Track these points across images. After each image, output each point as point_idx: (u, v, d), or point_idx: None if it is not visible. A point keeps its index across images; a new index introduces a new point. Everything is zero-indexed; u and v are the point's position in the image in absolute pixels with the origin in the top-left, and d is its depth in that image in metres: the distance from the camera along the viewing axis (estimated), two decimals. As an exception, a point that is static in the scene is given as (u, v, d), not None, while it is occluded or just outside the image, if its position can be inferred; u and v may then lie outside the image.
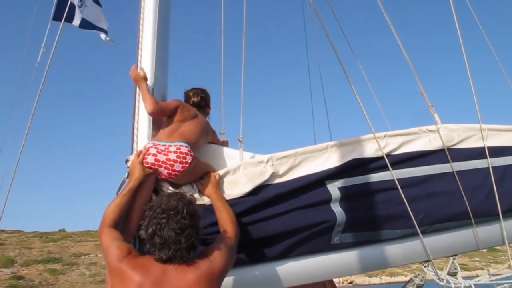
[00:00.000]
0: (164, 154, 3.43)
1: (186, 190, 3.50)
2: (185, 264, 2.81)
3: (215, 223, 3.39)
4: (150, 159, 3.42)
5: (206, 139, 3.96)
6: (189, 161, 3.45)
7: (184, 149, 3.47)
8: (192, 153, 3.49)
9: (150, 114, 3.76)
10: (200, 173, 3.61)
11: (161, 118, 3.85)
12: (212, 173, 3.64)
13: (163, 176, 3.46)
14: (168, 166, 3.41)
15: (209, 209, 3.47)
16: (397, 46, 4.52)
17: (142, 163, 3.41)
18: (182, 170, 3.43)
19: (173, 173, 3.43)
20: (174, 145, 3.48)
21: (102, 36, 6.73)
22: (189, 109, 3.97)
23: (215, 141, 4.23)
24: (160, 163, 3.41)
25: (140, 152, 3.48)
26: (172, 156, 3.42)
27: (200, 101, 4.27)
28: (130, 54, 4.08)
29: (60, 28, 4.42)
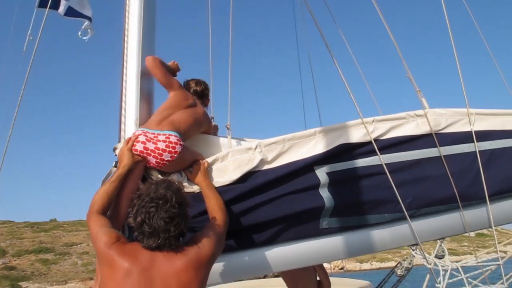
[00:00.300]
0: (153, 143, 3.41)
1: (175, 178, 3.49)
2: (173, 251, 2.81)
3: (204, 212, 3.39)
4: (139, 147, 3.40)
5: (198, 129, 3.92)
6: (178, 151, 3.43)
7: (173, 139, 3.44)
8: (181, 143, 3.47)
9: (148, 59, 3.85)
10: (189, 162, 3.60)
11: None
12: (200, 161, 3.63)
13: (152, 165, 3.44)
14: (156, 155, 3.40)
15: (198, 197, 3.47)
16: (386, 32, 4.53)
17: (131, 150, 3.38)
18: (170, 159, 3.42)
19: (161, 162, 3.42)
20: (163, 134, 3.46)
21: (85, 30, 6.70)
22: (187, 98, 3.95)
23: (209, 132, 4.19)
24: (149, 151, 3.40)
25: (129, 139, 3.46)
26: (161, 145, 3.40)
27: (203, 90, 4.29)
28: (117, 41, 4.07)
29: (45, 15, 4.39)
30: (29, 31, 4.76)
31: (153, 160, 3.41)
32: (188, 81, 4.32)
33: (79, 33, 6.50)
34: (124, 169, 3.31)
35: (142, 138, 3.43)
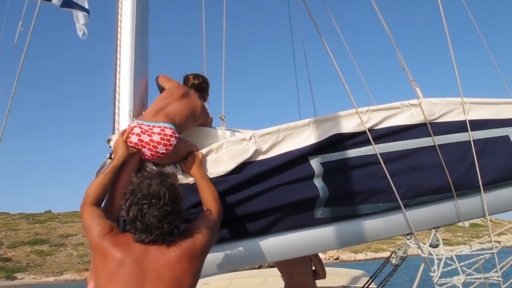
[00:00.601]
0: (148, 135, 3.39)
1: (169, 170, 3.48)
2: (167, 243, 2.81)
3: (199, 204, 3.38)
4: (133, 139, 3.38)
5: (194, 121, 3.89)
6: (173, 144, 3.41)
7: (168, 131, 3.42)
8: (176, 135, 3.45)
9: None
10: (183, 154, 3.58)
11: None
12: (195, 152, 3.61)
13: (146, 157, 3.43)
14: (151, 147, 3.38)
15: (193, 188, 3.45)
16: (379, 20, 4.52)
17: (126, 142, 3.36)
18: (165, 152, 3.40)
19: (156, 154, 3.40)
20: (158, 126, 3.43)
21: (79, 31, 6.73)
22: (181, 87, 4.00)
23: (205, 125, 4.18)
24: (143, 144, 3.38)
25: (125, 131, 3.44)
26: (156, 137, 3.38)
27: (200, 83, 4.28)
28: (110, 33, 4.05)
29: (37, 7, 4.35)
30: (20, 22, 4.72)
31: (147, 153, 3.39)
32: (187, 75, 4.33)
33: (79, 34, 6.52)
34: (119, 160, 3.29)
35: (137, 130, 3.41)
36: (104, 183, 3.18)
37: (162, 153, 3.40)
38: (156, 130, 3.41)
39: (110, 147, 3.53)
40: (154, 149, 3.38)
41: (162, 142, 3.38)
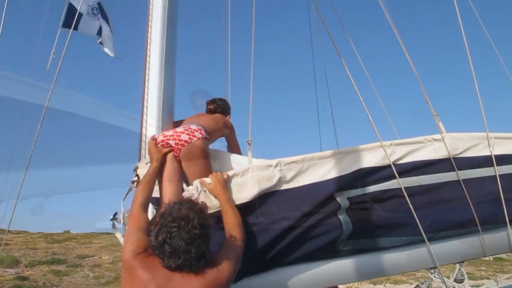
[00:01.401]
0: (172, 129, 3.62)
1: (193, 190, 3.48)
2: (192, 272, 2.81)
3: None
4: (159, 138, 3.60)
5: (216, 125, 4.02)
6: (198, 136, 3.55)
7: (194, 126, 3.62)
8: (201, 131, 3.59)
9: None
10: (207, 162, 3.66)
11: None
12: (220, 172, 3.60)
13: (174, 150, 3.54)
14: (175, 137, 3.55)
15: (217, 228, 3.38)
16: (403, 53, 4.54)
17: (156, 145, 3.57)
18: (188, 141, 3.52)
19: (180, 143, 3.53)
20: (182, 125, 3.69)
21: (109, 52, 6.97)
22: (198, 113, 4.22)
23: (231, 136, 4.32)
24: (168, 137, 3.56)
25: (153, 137, 3.67)
26: (180, 129, 3.59)
27: (215, 108, 4.43)
28: (137, 52, 4.15)
29: (69, 35, 4.48)
30: (53, 50, 4.86)
31: (172, 143, 3.54)
32: (206, 102, 4.54)
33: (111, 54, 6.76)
34: (157, 163, 3.49)
35: (160, 132, 3.68)
36: (150, 183, 3.40)
37: (185, 141, 3.52)
38: (180, 125, 3.68)
39: (137, 175, 3.58)
40: (177, 138, 3.54)
41: (186, 131, 3.56)
